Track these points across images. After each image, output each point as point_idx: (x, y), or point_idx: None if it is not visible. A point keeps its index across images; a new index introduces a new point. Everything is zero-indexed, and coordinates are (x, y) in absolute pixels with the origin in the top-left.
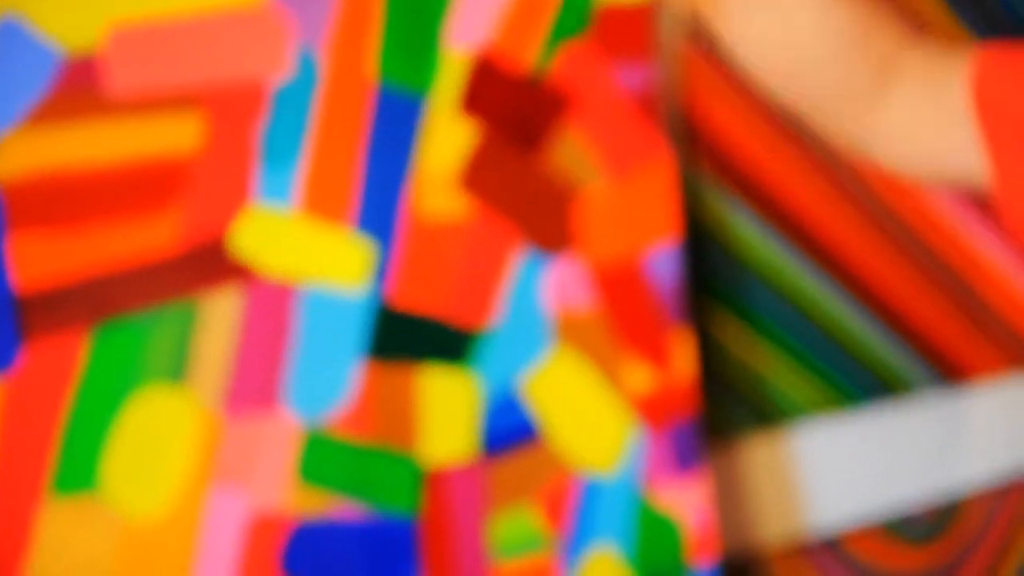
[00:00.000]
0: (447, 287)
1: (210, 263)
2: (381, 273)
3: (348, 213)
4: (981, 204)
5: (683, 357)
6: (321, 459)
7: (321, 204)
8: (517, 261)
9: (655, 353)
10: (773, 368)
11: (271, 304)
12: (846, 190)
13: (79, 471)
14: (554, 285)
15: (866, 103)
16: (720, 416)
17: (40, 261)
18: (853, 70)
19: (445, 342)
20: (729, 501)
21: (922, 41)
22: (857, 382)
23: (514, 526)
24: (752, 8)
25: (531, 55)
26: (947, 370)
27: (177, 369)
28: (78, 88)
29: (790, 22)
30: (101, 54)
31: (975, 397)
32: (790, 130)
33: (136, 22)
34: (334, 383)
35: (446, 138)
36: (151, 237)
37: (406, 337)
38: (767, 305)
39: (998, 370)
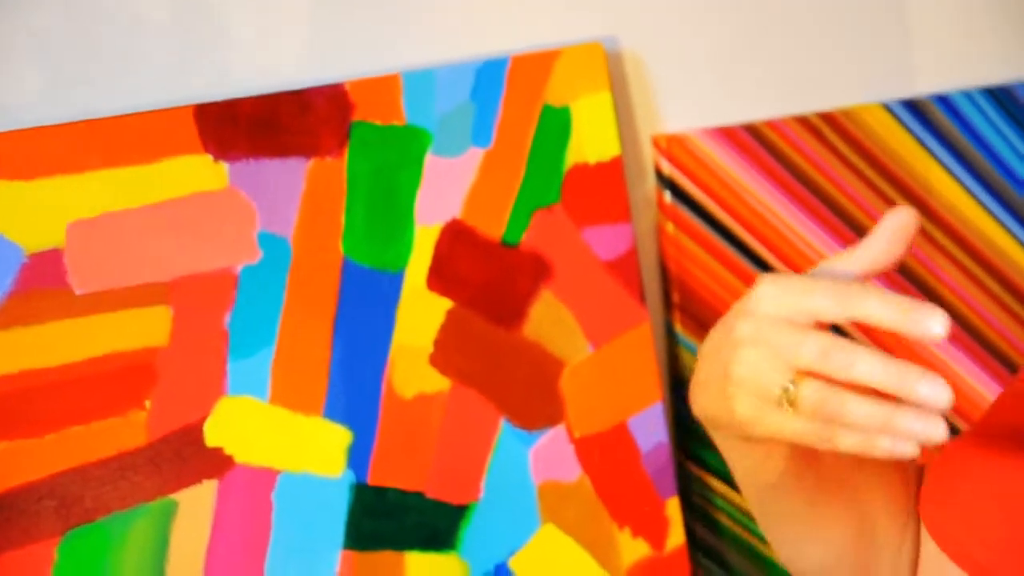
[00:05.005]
0: (427, 467)
1: (185, 458)
2: (359, 457)
3: (321, 398)
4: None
5: (671, 524)
6: None
7: (293, 390)
8: (498, 437)
9: (643, 522)
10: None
11: (247, 496)
12: None
13: None
14: (539, 459)
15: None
16: None
17: (7, 466)
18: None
19: (428, 523)
20: None
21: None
22: None
23: None
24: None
25: (501, 225)
26: None
27: (154, 568)
28: (42, 287)
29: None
30: (62, 252)
31: None
32: None
33: (92, 218)
34: (316, 574)
35: (420, 315)
36: (123, 435)
37: (388, 521)
38: None
39: None
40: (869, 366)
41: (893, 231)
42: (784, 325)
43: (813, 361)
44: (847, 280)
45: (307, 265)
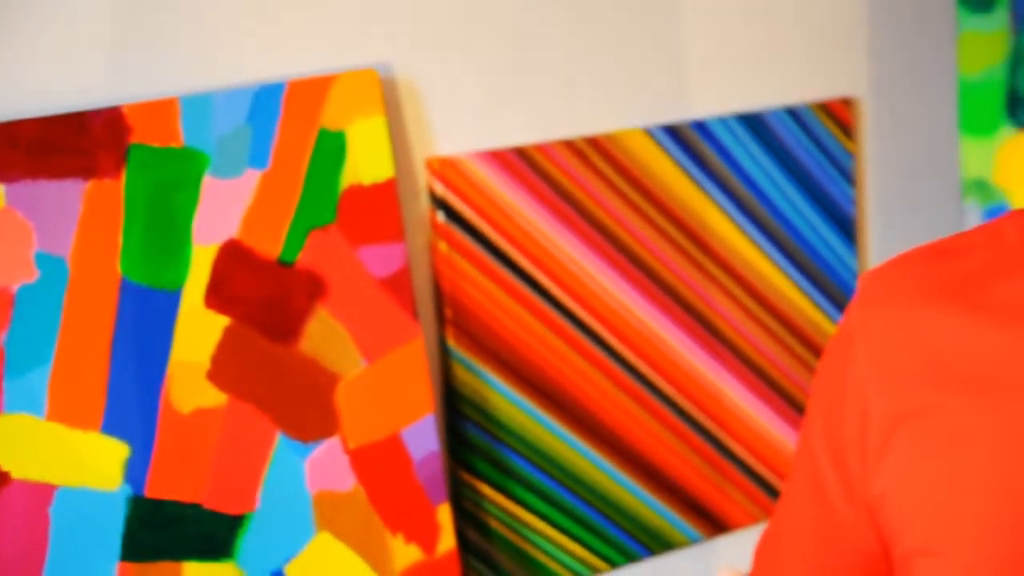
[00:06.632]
0: (205, 478)
1: None
2: (137, 470)
3: (98, 414)
4: (730, 356)
5: (442, 529)
6: None
7: (70, 407)
8: (274, 449)
9: (415, 527)
10: (536, 534)
11: (23, 512)
12: (596, 357)
13: None
14: (314, 470)
15: None
16: None
17: None
18: None
19: (205, 533)
20: None
21: None
22: (622, 541)
23: None
24: None
25: (278, 245)
26: (707, 522)
27: None
28: None
29: None
30: None
31: (736, 546)
32: (537, 302)
33: None
34: None
35: (197, 332)
36: None
37: (166, 530)
38: (526, 473)
39: (755, 517)
40: None
41: None
42: None
43: None
44: None
45: (85, 284)
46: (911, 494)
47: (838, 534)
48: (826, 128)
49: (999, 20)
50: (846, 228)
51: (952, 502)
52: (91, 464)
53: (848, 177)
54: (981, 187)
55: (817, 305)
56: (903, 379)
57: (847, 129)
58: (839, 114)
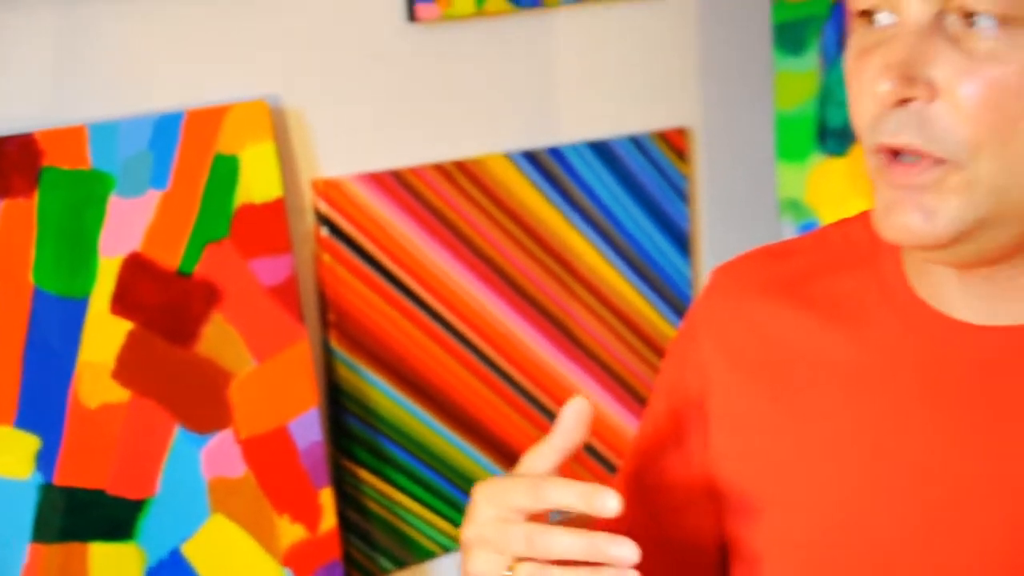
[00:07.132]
0: (110, 467)
1: None
2: (47, 461)
3: (12, 409)
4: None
5: (325, 511)
6: None
7: None
8: (173, 440)
9: (300, 509)
10: (410, 513)
11: None
12: (463, 357)
13: None
14: (209, 459)
15: None
16: (364, 560)
17: None
18: None
19: (110, 516)
20: None
21: None
22: None
23: None
24: None
25: (177, 257)
26: None
27: None
28: None
29: None
30: None
31: None
32: (411, 308)
33: None
34: (2, 569)
35: (103, 335)
36: None
37: (73, 515)
38: (400, 459)
39: None
40: (566, 543)
41: (571, 422)
42: (497, 523)
43: (522, 549)
44: (541, 475)
45: (0, 293)
46: (738, 460)
47: (672, 495)
48: (663, 154)
49: (810, 62)
50: (681, 241)
51: (773, 467)
52: (5, 455)
53: (682, 197)
54: (795, 206)
55: (656, 308)
56: (738, 359)
57: (681, 155)
58: (675, 142)
